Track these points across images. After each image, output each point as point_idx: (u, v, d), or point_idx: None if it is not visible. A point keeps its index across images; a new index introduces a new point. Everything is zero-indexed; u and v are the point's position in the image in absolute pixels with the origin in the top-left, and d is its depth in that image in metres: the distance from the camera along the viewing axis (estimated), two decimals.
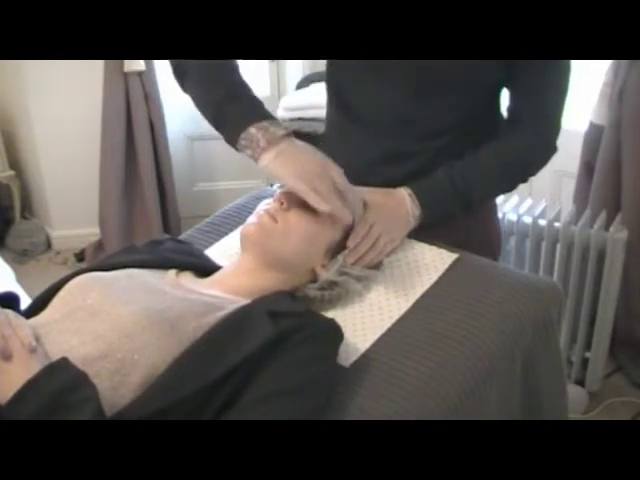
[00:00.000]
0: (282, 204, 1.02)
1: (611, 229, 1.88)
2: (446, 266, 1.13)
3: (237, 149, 1.05)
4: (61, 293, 0.92)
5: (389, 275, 1.11)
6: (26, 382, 0.73)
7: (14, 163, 3.00)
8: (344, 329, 0.93)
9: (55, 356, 0.78)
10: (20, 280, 1.97)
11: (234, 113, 1.06)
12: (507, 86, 1.17)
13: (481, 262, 1.16)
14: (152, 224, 2.87)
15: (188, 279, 1.00)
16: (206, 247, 1.22)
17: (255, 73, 2.79)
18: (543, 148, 1.19)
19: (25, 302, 0.97)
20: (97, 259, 2.78)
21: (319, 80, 2.58)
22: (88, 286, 0.91)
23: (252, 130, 1.03)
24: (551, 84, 1.13)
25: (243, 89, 1.10)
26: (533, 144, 1.17)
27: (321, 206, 0.99)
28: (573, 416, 1.93)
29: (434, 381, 0.92)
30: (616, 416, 2.02)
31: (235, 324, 0.86)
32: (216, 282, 1.00)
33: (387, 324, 1.02)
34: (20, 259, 2.96)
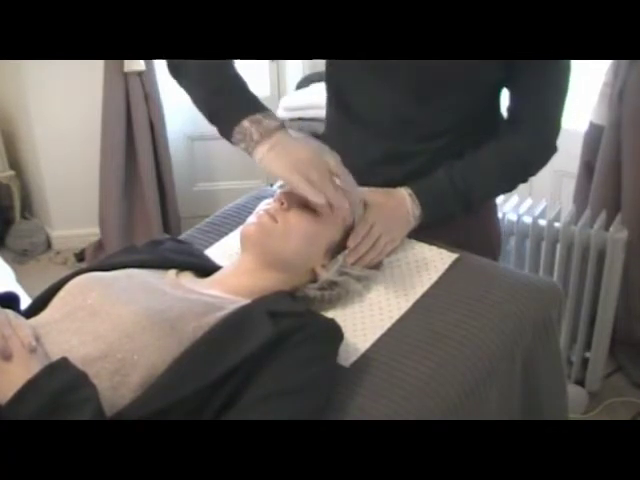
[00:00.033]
0: (282, 204, 1.02)
1: (611, 229, 1.88)
2: (446, 266, 1.13)
3: (232, 142, 1.05)
4: (61, 293, 0.92)
5: (389, 275, 1.11)
6: (26, 382, 0.73)
7: (14, 163, 3.00)
8: (344, 329, 0.93)
9: (55, 356, 0.78)
10: (20, 280, 1.97)
11: (227, 106, 1.06)
12: (507, 86, 1.17)
13: (481, 262, 1.16)
14: (152, 224, 2.86)
15: (188, 279, 1.00)
16: (206, 247, 1.22)
17: (255, 73, 2.78)
18: (543, 148, 1.19)
19: (25, 302, 0.97)
20: (97, 259, 2.78)
21: (319, 80, 2.58)
22: (88, 286, 0.91)
23: (245, 123, 1.03)
24: (551, 84, 1.13)
25: (237, 82, 1.10)
26: (533, 144, 1.17)
27: (315, 198, 0.98)
28: (573, 416, 1.93)
29: (434, 381, 0.92)
30: (616, 416, 2.02)
31: (235, 324, 0.86)
32: (216, 282, 1.00)
33: (387, 324, 1.02)
34: (20, 259, 2.96)
